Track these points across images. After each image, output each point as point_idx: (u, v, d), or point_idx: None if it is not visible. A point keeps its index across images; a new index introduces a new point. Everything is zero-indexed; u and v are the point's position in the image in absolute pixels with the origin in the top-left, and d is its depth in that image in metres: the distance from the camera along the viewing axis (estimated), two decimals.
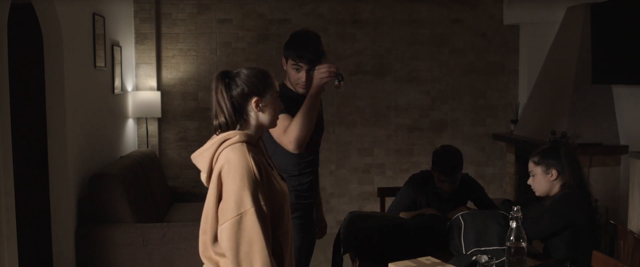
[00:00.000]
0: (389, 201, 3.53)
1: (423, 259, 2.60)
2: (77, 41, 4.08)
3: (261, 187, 1.92)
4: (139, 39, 5.53)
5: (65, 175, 3.88)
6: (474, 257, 2.40)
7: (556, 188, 2.76)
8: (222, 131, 2.01)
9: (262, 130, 2.09)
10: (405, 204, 3.25)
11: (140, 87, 5.56)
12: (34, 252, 4.07)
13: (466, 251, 2.63)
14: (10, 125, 3.21)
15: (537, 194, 2.83)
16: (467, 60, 5.83)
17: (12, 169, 3.21)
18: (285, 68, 2.71)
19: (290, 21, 5.63)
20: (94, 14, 4.39)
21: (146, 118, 5.47)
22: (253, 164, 1.92)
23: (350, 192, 5.84)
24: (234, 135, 1.98)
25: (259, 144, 2.07)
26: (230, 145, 1.96)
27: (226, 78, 2.07)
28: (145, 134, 5.51)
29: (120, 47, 5.09)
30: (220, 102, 2.02)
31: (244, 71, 2.09)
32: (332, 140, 5.78)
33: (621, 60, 4.21)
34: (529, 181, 2.84)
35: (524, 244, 2.18)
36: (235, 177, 1.89)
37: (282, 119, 2.51)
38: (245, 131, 2.02)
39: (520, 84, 5.85)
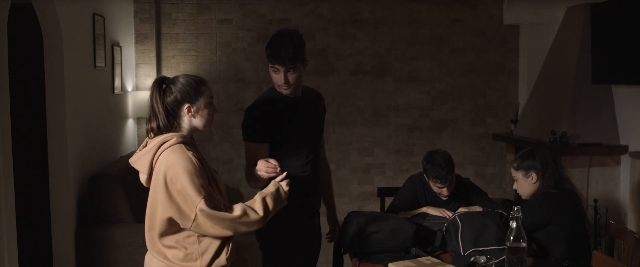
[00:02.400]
0: (389, 201, 3.53)
1: (423, 259, 2.61)
2: (77, 41, 4.08)
3: (204, 175, 2.13)
4: (139, 39, 5.54)
5: (65, 175, 3.88)
6: (472, 258, 2.40)
7: (537, 190, 2.87)
8: (155, 135, 2.20)
9: (194, 132, 2.28)
10: (404, 204, 3.25)
11: (140, 87, 5.56)
12: (34, 252, 4.07)
13: (464, 252, 2.63)
14: (10, 126, 3.21)
15: (523, 197, 2.94)
16: (467, 60, 5.83)
17: (12, 169, 3.21)
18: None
19: (290, 21, 5.63)
20: (94, 14, 4.39)
21: (146, 118, 5.47)
22: (193, 157, 2.13)
23: (350, 192, 5.84)
24: (172, 137, 2.16)
25: (193, 144, 2.28)
26: (169, 147, 2.14)
27: (162, 84, 2.22)
28: (145, 134, 5.51)
29: (120, 47, 5.10)
30: (154, 107, 2.20)
31: (180, 79, 2.23)
32: (332, 140, 5.78)
33: (621, 60, 4.21)
34: (514, 186, 2.95)
35: (523, 244, 2.18)
36: (183, 176, 2.08)
37: (251, 149, 2.61)
38: (181, 133, 2.21)
39: (520, 84, 5.85)
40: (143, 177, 2.20)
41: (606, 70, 4.42)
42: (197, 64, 5.66)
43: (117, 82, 4.97)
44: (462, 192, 3.26)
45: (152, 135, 2.21)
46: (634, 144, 4.49)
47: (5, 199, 3.11)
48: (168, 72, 5.65)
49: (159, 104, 2.19)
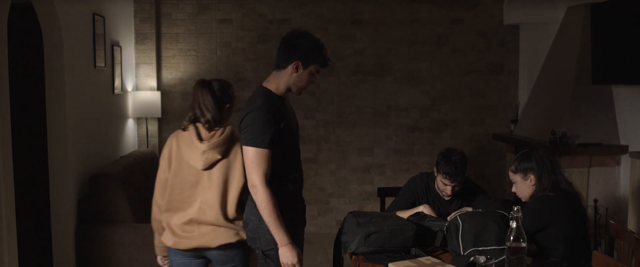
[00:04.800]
0: (389, 201, 3.53)
1: (423, 259, 2.61)
2: (77, 41, 4.08)
3: None
4: (139, 39, 5.54)
5: (65, 175, 3.88)
6: (472, 258, 2.40)
7: (535, 192, 2.85)
8: (211, 126, 2.66)
9: None
10: (404, 204, 3.25)
11: (140, 87, 5.56)
12: (34, 252, 4.07)
13: (464, 252, 2.63)
14: (10, 126, 3.21)
15: (522, 199, 2.92)
16: (467, 60, 5.83)
17: (12, 169, 3.21)
18: (295, 72, 2.57)
19: (290, 21, 5.63)
20: (94, 14, 4.39)
21: (146, 118, 5.48)
22: None
23: (350, 192, 5.84)
24: (233, 127, 2.66)
25: None
26: (236, 134, 2.68)
27: (208, 83, 2.70)
28: (145, 134, 5.52)
29: (120, 47, 5.10)
30: (206, 102, 2.66)
31: (219, 82, 2.74)
32: (332, 140, 5.78)
33: (621, 60, 4.21)
34: (513, 189, 2.93)
35: (523, 244, 2.18)
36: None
37: (259, 155, 2.50)
38: None
39: (520, 84, 5.85)
40: (214, 158, 2.61)
41: (606, 70, 4.42)
42: (197, 64, 5.67)
43: (117, 82, 4.97)
44: (464, 191, 3.26)
45: (209, 126, 2.66)
46: (634, 144, 4.49)
47: (5, 199, 3.11)
48: (168, 72, 5.66)
49: (211, 100, 2.65)
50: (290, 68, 2.56)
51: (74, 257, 3.94)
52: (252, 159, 2.51)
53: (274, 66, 2.63)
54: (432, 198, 3.25)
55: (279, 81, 2.61)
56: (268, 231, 2.58)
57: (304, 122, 5.63)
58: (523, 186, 2.87)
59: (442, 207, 3.21)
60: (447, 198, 3.22)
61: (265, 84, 2.63)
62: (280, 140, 2.55)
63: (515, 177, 2.89)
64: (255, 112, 2.53)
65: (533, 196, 2.85)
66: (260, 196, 2.49)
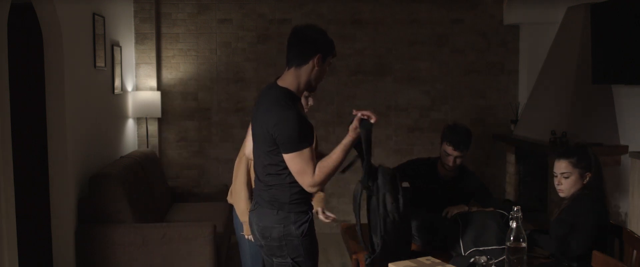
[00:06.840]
0: None
1: (423, 259, 2.60)
2: (77, 41, 4.08)
3: None
4: (139, 39, 5.53)
5: (65, 175, 3.88)
6: (472, 259, 2.40)
7: (578, 190, 2.74)
8: None
9: None
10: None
11: (140, 87, 5.56)
12: (34, 252, 4.07)
13: (465, 252, 2.63)
14: (10, 126, 3.21)
15: (562, 195, 2.78)
16: (467, 60, 5.82)
17: (12, 169, 3.21)
18: (316, 66, 2.52)
19: (290, 21, 5.62)
20: (94, 14, 4.39)
21: (146, 118, 5.47)
22: None
23: (350, 192, 5.83)
24: None
25: None
26: None
27: None
28: (145, 134, 5.51)
29: (120, 47, 5.09)
30: None
31: None
32: (332, 140, 5.77)
33: (621, 60, 4.21)
34: (557, 182, 2.77)
35: (523, 244, 2.18)
36: None
37: (310, 155, 2.52)
38: None
39: (520, 84, 5.85)
40: None
41: (606, 70, 4.42)
42: (197, 64, 5.66)
43: (117, 82, 4.97)
44: (461, 179, 3.34)
45: None
46: (634, 144, 4.49)
47: (5, 199, 3.11)
48: (168, 73, 5.65)
49: None
50: (311, 63, 2.50)
51: (74, 257, 3.94)
52: (306, 161, 2.56)
53: (288, 65, 2.53)
54: (431, 181, 3.30)
55: (299, 79, 2.53)
56: (296, 237, 2.57)
57: None
58: (575, 182, 2.72)
59: (441, 190, 3.26)
60: (450, 170, 3.26)
61: (282, 84, 2.53)
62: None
63: (573, 171, 2.71)
64: (293, 112, 2.49)
65: (575, 194, 2.73)
66: (321, 179, 2.63)
